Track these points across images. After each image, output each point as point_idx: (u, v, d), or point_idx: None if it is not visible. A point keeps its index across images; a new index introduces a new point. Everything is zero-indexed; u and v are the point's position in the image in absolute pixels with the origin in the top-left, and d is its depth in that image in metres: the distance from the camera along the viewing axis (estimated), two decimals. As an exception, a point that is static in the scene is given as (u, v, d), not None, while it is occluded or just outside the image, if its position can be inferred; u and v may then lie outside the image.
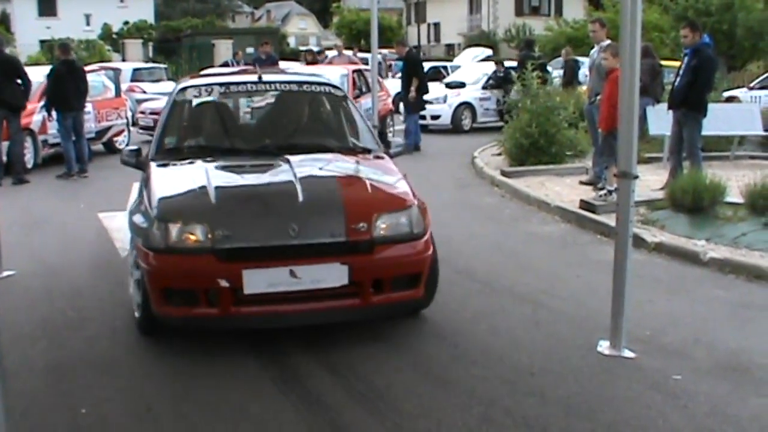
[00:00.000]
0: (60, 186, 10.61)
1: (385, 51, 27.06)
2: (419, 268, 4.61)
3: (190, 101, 5.99)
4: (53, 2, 52.60)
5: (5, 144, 10.56)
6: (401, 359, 4.48)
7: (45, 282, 6.07)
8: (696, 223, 7.28)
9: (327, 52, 23.54)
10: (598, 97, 9.05)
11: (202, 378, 4.24)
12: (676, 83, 8.52)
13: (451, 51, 49.47)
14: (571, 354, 4.54)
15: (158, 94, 17.38)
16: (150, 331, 4.74)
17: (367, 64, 16.33)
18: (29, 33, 45.60)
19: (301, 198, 4.50)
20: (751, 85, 16.85)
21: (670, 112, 8.74)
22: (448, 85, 17.38)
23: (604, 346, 4.57)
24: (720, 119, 10.60)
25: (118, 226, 7.49)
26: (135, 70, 21.31)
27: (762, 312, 5.41)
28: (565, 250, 7.07)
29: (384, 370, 4.32)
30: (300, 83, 6.24)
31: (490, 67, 17.98)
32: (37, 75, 11.32)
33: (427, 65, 17.87)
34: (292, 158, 5.04)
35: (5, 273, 6.19)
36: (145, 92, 19.17)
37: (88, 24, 50.66)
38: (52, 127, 11.41)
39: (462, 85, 17.11)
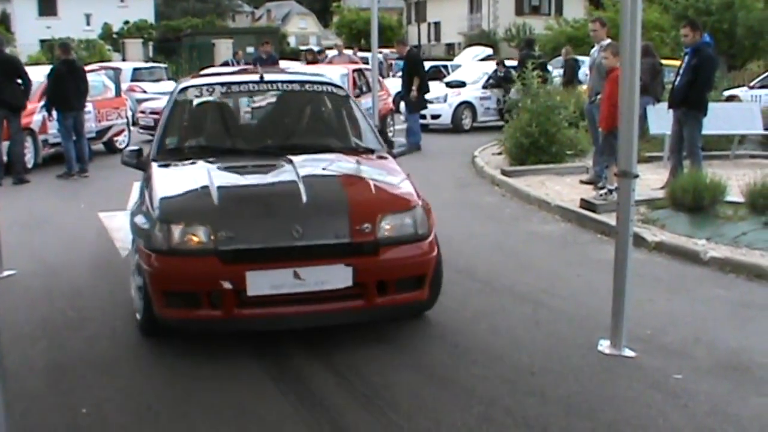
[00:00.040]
0: (60, 186, 10.61)
1: (386, 50, 27.10)
2: (424, 269, 4.57)
3: (192, 101, 5.94)
4: (53, 2, 52.59)
5: (5, 144, 10.55)
6: (401, 358, 4.47)
7: (45, 282, 6.07)
8: (696, 222, 7.27)
9: (327, 52, 23.56)
10: (599, 97, 9.05)
11: (203, 378, 4.23)
12: (677, 82, 8.52)
13: (451, 50, 49.46)
14: (571, 353, 4.53)
15: (158, 93, 17.39)
16: (152, 333, 4.70)
17: (367, 63, 16.34)
18: (29, 33, 45.61)
19: (304, 199, 4.45)
20: (752, 84, 16.86)
21: (671, 111, 8.74)
22: (449, 85, 17.37)
23: (604, 345, 4.57)
24: (720, 118, 10.60)
25: (118, 225, 7.49)
26: (135, 69, 21.34)
27: (762, 311, 5.40)
28: (566, 250, 7.07)
29: (384, 370, 4.31)
30: (302, 83, 6.19)
31: (491, 66, 17.98)
32: (38, 75, 11.31)
33: (427, 64, 17.86)
34: (295, 158, 5.00)
35: (5, 273, 6.19)
36: (145, 92, 19.18)
37: (88, 24, 50.66)
38: (53, 127, 11.40)
39: (462, 84, 17.09)
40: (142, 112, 15.13)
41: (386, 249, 4.41)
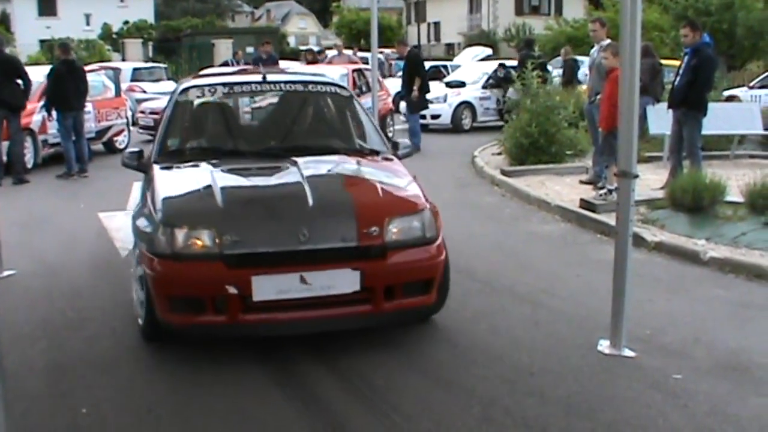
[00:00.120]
0: (60, 186, 10.61)
1: (386, 50, 27.12)
2: (432, 273, 4.50)
3: (193, 102, 5.82)
4: (53, 2, 52.61)
5: (5, 144, 10.55)
6: (401, 359, 4.47)
7: (45, 282, 6.07)
8: (696, 222, 7.28)
9: (327, 52, 23.58)
10: (598, 97, 9.05)
11: (205, 383, 4.22)
12: (676, 82, 8.52)
13: (451, 50, 49.47)
14: (571, 353, 4.53)
15: (158, 93, 17.41)
16: (154, 337, 4.62)
17: (367, 63, 16.34)
18: (29, 33, 45.61)
19: (311, 202, 4.37)
20: (751, 84, 16.87)
21: (670, 111, 8.75)
22: (448, 85, 17.37)
23: (604, 346, 4.57)
24: (720, 118, 10.61)
25: (118, 225, 7.50)
26: (135, 69, 21.34)
27: (762, 311, 5.41)
28: (565, 250, 7.07)
29: (383, 370, 4.31)
30: (305, 83, 6.07)
31: (490, 66, 17.98)
32: (37, 75, 11.31)
33: (427, 64, 17.86)
34: (300, 160, 4.91)
35: (5, 273, 6.19)
36: (145, 92, 19.19)
37: (88, 24, 50.67)
38: (52, 127, 11.40)
39: (462, 84, 17.10)
40: (142, 112, 15.13)
41: (394, 253, 4.33)
